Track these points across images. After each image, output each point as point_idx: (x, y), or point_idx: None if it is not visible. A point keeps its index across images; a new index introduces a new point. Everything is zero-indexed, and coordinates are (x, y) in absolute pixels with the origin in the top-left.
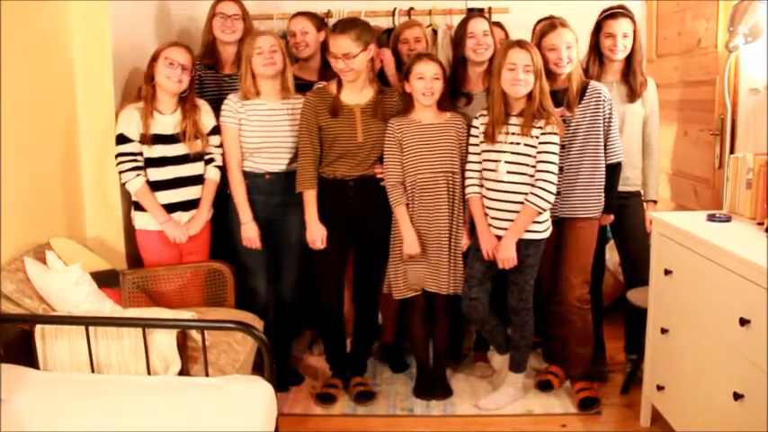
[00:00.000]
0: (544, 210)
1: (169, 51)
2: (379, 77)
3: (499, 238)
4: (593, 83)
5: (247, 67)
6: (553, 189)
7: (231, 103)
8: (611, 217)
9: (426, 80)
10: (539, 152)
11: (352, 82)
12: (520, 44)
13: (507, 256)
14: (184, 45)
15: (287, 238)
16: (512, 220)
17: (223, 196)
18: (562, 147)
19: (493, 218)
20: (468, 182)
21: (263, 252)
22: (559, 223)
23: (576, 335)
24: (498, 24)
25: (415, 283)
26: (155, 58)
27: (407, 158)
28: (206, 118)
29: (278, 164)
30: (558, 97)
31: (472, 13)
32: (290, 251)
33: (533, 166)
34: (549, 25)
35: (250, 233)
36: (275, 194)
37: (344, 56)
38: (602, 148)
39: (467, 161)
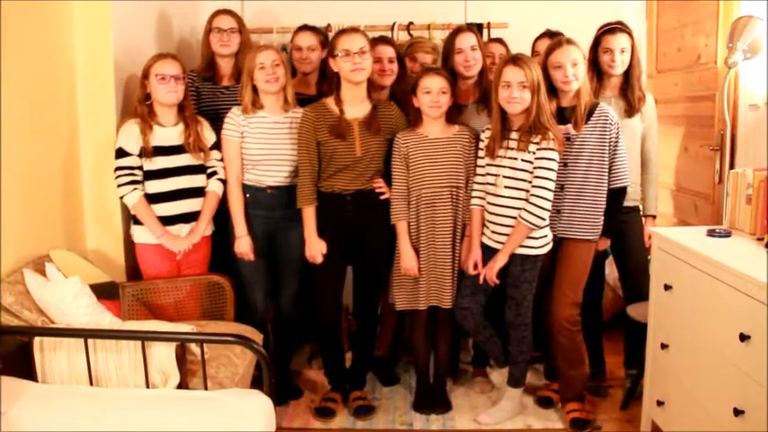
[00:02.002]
0: (537, 227)
1: (158, 67)
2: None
3: (498, 251)
4: (602, 104)
5: (248, 81)
6: (547, 205)
7: (234, 116)
8: (608, 242)
9: (433, 94)
10: (534, 168)
11: (357, 87)
12: (514, 61)
13: (490, 272)
14: (170, 55)
15: (287, 252)
16: (509, 235)
17: (223, 211)
18: (564, 165)
19: (492, 231)
20: (472, 194)
21: (261, 265)
22: (557, 242)
23: (566, 356)
24: (499, 41)
25: (421, 298)
26: (145, 76)
27: (413, 172)
28: (207, 133)
29: (279, 176)
30: (566, 114)
31: (460, 27)
32: (290, 265)
33: (530, 182)
34: (555, 42)
35: (243, 247)
36: (277, 208)
37: (361, 50)
38: (607, 171)
39: (473, 174)
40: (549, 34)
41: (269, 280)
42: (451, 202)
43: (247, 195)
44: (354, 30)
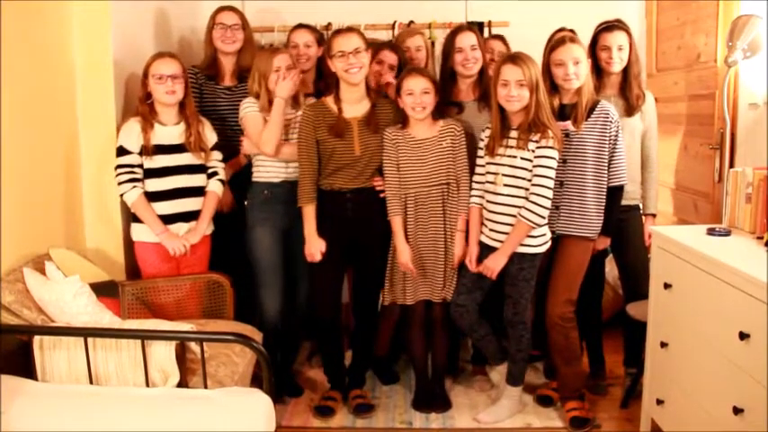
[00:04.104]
0: (537, 224)
1: (155, 67)
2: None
3: (496, 249)
4: (603, 102)
5: (262, 82)
6: (547, 203)
7: (253, 101)
8: (608, 241)
9: (416, 95)
10: (534, 166)
11: (355, 87)
12: (512, 59)
13: (491, 266)
14: (168, 53)
15: (302, 249)
16: (509, 233)
17: (219, 215)
18: (564, 162)
19: (491, 230)
20: (471, 192)
21: (278, 262)
22: (555, 239)
23: (561, 353)
24: (499, 37)
25: (411, 294)
26: (145, 76)
27: (402, 173)
28: (209, 133)
29: (292, 171)
30: (567, 112)
31: (460, 26)
32: (304, 262)
33: (530, 180)
34: (558, 40)
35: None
36: (293, 202)
37: (356, 50)
38: (606, 168)
39: (473, 172)
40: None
41: (285, 280)
42: (441, 200)
43: (265, 192)
44: (350, 30)
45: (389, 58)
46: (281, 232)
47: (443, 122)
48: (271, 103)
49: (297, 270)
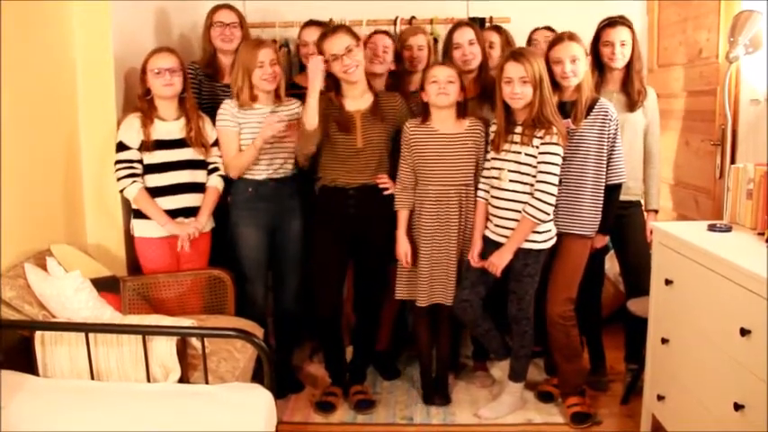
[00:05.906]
0: (542, 221)
1: (153, 61)
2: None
3: (501, 245)
4: (602, 100)
5: (245, 77)
6: (551, 200)
7: (229, 108)
8: (606, 239)
9: (440, 83)
10: (538, 162)
11: (355, 84)
12: (515, 57)
13: (496, 263)
14: (165, 48)
15: (288, 245)
16: (513, 229)
17: (223, 206)
18: (563, 159)
19: (496, 225)
20: (479, 186)
21: (262, 259)
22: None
23: (562, 351)
24: (496, 28)
25: (422, 294)
26: (144, 71)
27: (420, 168)
28: (209, 129)
29: (277, 167)
30: (567, 109)
31: (459, 22)
32: (291, 258)
33: (535, 176)
34: (557, 38)
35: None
36: (279, 200)
37: (347, 50)
38: (605, 166)
39: (482, 167)
40: (548, 29)
41: (268, 274)
42: (459, 200)
43: (249, 190)
44: (337, 29)
45: (381, 40)
46: (267, 230)
47: (469, 121)
48: (254, 98)
49: (282, 267)
